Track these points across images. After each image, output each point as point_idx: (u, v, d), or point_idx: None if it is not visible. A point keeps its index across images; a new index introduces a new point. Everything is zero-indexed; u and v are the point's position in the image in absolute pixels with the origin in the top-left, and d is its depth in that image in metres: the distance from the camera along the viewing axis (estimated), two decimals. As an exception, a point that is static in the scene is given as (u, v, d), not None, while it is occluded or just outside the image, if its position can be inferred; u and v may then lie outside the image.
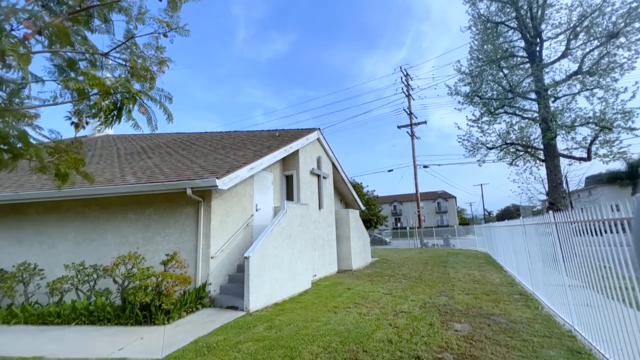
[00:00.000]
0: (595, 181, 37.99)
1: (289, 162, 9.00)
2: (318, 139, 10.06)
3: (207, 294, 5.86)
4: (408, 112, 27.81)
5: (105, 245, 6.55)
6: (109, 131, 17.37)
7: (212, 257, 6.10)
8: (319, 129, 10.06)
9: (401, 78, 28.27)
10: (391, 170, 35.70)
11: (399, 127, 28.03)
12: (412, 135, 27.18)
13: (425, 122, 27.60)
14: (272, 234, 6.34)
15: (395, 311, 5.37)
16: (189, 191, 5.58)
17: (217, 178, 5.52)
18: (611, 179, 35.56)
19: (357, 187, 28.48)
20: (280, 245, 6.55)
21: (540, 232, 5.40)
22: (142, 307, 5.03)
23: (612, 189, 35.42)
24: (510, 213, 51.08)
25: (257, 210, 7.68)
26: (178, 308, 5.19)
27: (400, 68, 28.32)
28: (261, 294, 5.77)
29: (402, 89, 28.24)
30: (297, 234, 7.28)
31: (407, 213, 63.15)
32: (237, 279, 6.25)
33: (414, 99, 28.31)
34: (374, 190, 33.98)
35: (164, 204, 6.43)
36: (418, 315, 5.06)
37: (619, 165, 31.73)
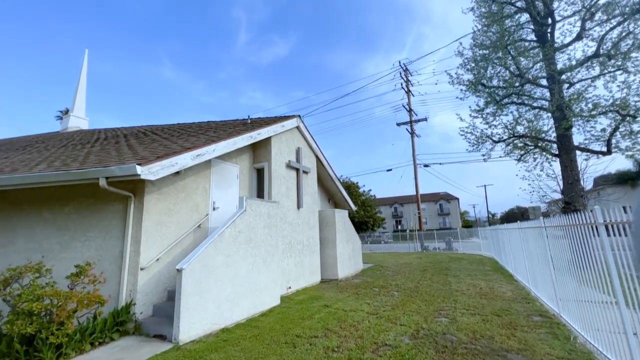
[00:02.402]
0: (604, 182, 36.24)
1: (260, 152, 7.60)
2: (297, 127, 8.66)
3: (130, 318, 4.46)
4: (408, 109, 26.38)
5: (16, 252, 5.19)
6: (84, 125, 16.14)
7: (142, 269, 4.72)
8: (299, 115, 8.68)
9: (400, 73, 26.87)
10: (390, 170, 33.98)
11: (398, 124, 26.58)
12: (412, 133, 25.74)
13: (425, 119, 26.21)
14: (223, 239, 4.95)
15: (377, 344, 3.96)
16: (102, 182, 4.19)
17: (139, 165, 4.14)
18: (621, 179, 33.91)
19: (353, 187, 27.00)
20: (234, 253, 5.16)
21: (572, 236, 3.98)
22: (26, 340, 3.66)
23: (622, 189, 33.73)
24: (514, 215, 49.26)
25: (214, 208, 6.30)
26: (78, 340, 3.81)
27: (400, 63, 27.06)
28: (201, 318, 4.37)
29: (402, 84, 26.85)
30: (261, 238, 5.89)
31: (408, 215, 61.50)
32: (177, 296, 4.85)
33: (413, 95, 26.91)
34: (370, 190, 32.49)
35: (86, 200, 5.06)
36: (406, 352, 3.65)
37: (628, 165, 30.16)
